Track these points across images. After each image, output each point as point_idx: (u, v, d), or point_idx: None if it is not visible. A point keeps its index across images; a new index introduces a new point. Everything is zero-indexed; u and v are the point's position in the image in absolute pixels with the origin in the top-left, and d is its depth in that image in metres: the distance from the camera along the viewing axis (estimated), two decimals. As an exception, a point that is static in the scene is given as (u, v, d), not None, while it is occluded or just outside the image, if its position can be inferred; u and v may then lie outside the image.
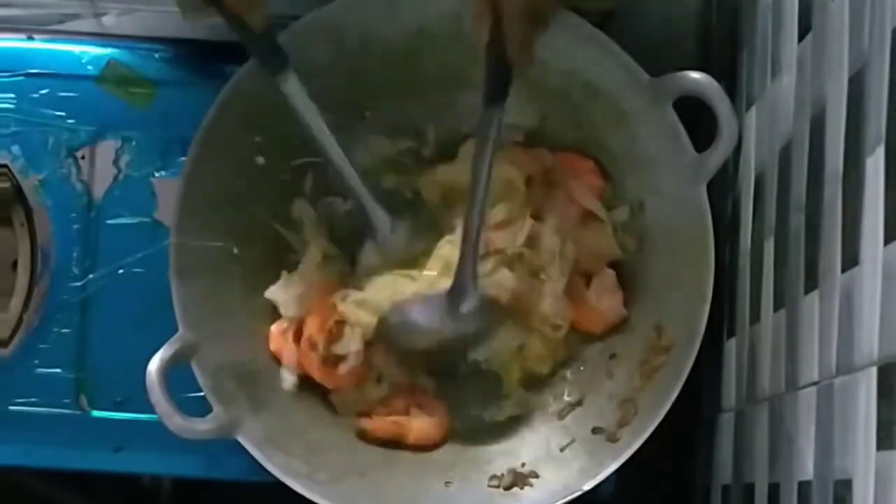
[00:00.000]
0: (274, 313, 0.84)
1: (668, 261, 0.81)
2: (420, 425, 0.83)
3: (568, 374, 0.85)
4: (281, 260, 0.85)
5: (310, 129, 0.78)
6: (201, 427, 0.77)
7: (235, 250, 0.83)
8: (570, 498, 0.77)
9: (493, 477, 0.81)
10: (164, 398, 0.75)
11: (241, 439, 0.78)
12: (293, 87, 0.77)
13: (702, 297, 0.77)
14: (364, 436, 0.83)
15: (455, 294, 0.79)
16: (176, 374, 0.77)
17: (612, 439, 0.79)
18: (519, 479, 0.81)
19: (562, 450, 0.81)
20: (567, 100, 0.83)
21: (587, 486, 0.77)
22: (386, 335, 0.81)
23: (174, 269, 0.79)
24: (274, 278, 0.84)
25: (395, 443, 0.83)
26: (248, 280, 0.83)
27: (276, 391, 0.82)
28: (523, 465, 0.81)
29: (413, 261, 0.83)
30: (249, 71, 0.81)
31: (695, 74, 0.77)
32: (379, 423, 0.83)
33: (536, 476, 0.80)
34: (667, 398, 0.76)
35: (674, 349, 0.78)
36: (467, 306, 0.79)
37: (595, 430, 0.81)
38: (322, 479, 0.79)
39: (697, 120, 0.80)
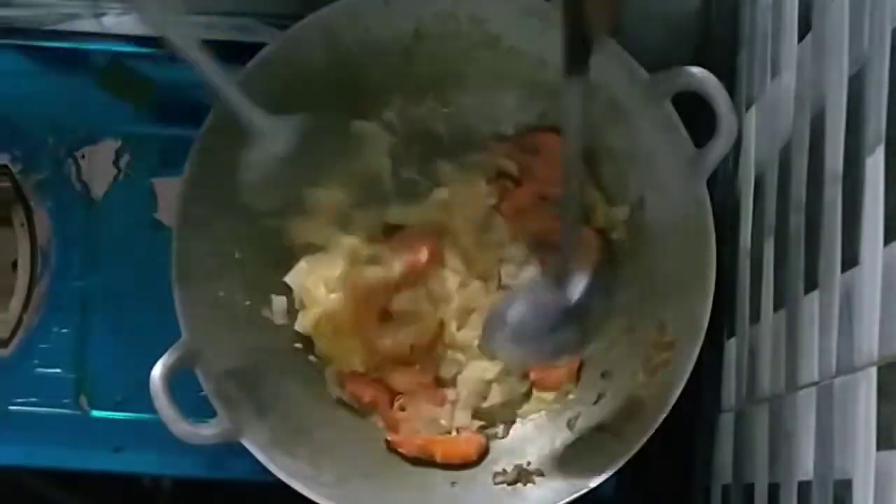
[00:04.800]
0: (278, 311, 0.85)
1: (670, 256, 0.80)
2: (446, 445, 0.83)
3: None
4: (283, 263, 0.85)
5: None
6: (206, 432, 0.77)
7: (237, 254, 0.83)
8: (576, 496, 0.77)
9: (498, 473, 0.81)
10: (169, 404, 0.75)
11: (245, 443, 0.78)
12: None
13: (704, 291, 0.76)
14: (392, 448, 0.84)
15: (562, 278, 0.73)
16: (178, 374, 0.77)
17: (617, 436, 0.79)
18: (524, 476, 0.81)
19: (567, 448, 0.81)
20: (566, 98, 0.83)
21: (593, 484, 0.77)
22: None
23: (176, 275, 0.79)
24: (276, 281, 0.84)
25: (425, 461, 0.83)
26: (250, 284, 0.83)
27: (281, 394, 0.82)
28: (528, 463, 0.82)
29: (311, 168, 0.78)
30: (250, 73, 0.81)
31: (693, 69, 0.77)
32: (406, 440, 0.83)
33: (542, 475, 0.81)
34: (671, 395, 0.76)
35: (677, 345, 0.78)
36: (576, 290, 0.73)
37: (600, 428, 0.81)
38: (327, 480, 0.79)
39: (697, 118, 0.80)
